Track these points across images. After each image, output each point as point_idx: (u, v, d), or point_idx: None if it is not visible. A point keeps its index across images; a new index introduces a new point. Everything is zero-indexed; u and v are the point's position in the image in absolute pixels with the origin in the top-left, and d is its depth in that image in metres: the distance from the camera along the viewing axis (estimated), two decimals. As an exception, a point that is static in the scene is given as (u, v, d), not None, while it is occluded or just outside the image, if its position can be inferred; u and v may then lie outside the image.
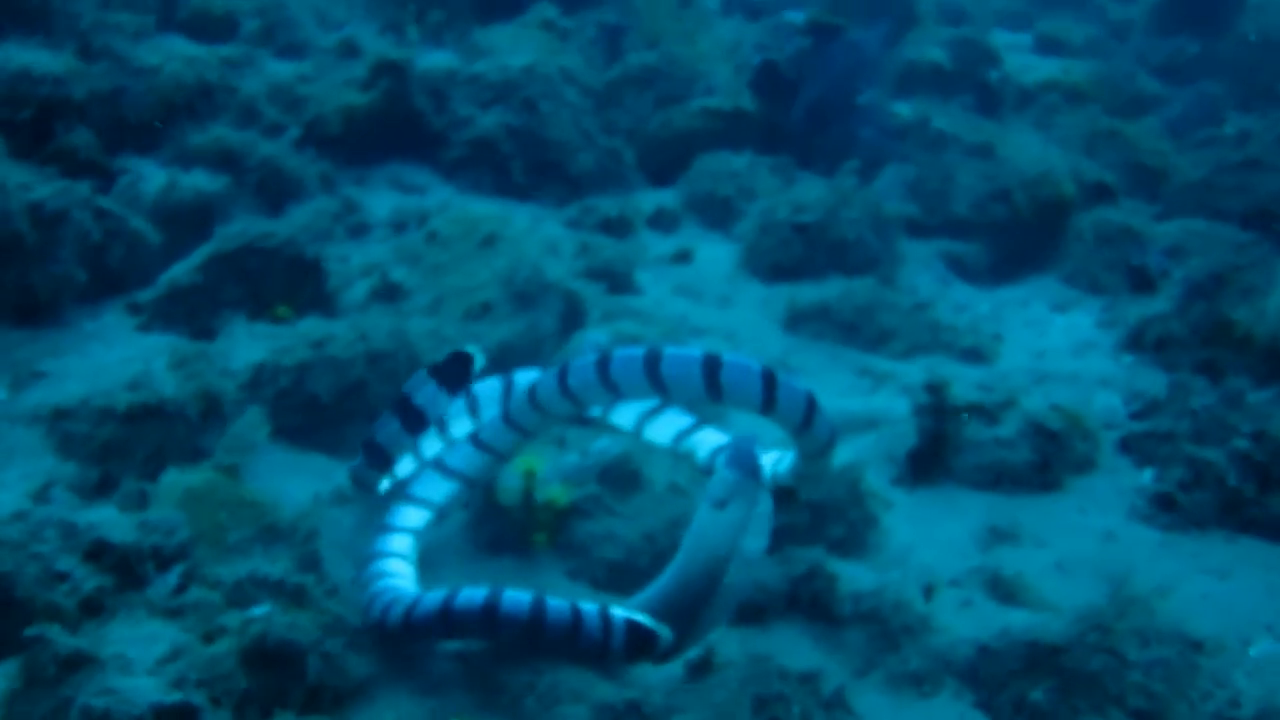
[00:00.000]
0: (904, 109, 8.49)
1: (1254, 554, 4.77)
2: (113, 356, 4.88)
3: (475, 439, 4.10)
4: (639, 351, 3.69)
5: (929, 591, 4.16)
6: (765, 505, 3.78)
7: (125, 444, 4.13)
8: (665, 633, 3.60)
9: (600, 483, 4.26)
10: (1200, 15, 12.21)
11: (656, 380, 3.65)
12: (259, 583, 3.19)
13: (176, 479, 3.69)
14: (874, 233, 6.74)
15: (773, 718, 3.51)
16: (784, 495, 4.31)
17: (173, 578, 3.23)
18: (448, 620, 3.44)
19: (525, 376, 4.33)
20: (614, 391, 3.73)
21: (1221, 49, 11.60)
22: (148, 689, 2.84)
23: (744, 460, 3.80)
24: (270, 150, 6.38)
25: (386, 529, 3.90)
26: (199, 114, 6.59)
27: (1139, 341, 6.23)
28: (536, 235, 5.87)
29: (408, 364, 4.69)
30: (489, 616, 3.42)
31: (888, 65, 8.80)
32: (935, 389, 4.97)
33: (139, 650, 2.96)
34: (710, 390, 3.63)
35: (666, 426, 4.42)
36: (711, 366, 3.61)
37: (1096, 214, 7.64)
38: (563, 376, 3.77)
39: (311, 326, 4.72)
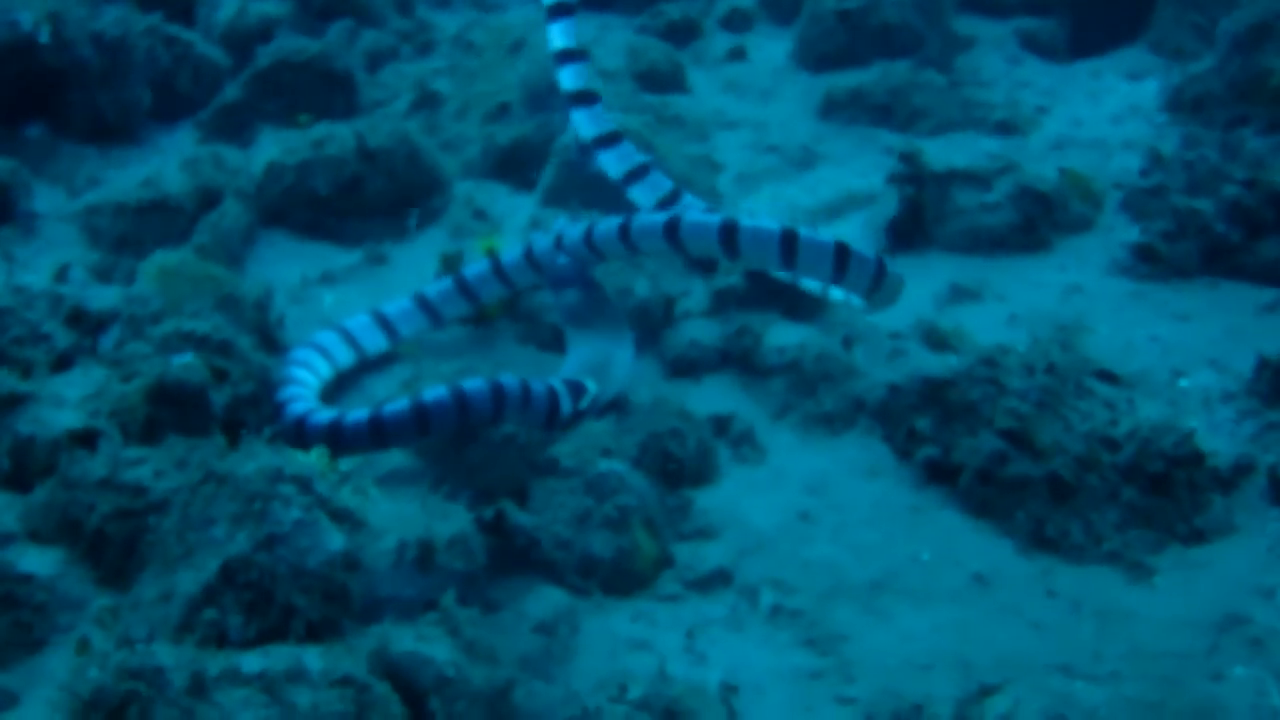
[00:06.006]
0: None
1: (1230, 299, 4.78)
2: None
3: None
4: (714, 219, 4.16)
5: (848, 343, 4.37)
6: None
7: (136, 234, 4.74)
8: (591, 384, 4.01)
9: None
10: None
11: (734, 251, 4.14)
12: (185, 337, 3.70)
13: (157, 259, 4.25)
14: (920, 15, 6.72)
15: (663, 450, 3.86)
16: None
17: (115, 333, 3.78)
18: (421, 419, 3.67)
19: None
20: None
21: None
22: (66, 419, 3.41)
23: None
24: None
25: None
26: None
27: (1178, 101, 6.09)
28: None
29: (406, 161, 5.12)
30: (460, 406, 3.74)
31: None
32: (909, 158, 5.09)
33: (74, 390, 3.52)
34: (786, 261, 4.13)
35: None
36: (789, 240, 4.08)
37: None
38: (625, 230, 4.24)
39: (320, 130, 5.17)
